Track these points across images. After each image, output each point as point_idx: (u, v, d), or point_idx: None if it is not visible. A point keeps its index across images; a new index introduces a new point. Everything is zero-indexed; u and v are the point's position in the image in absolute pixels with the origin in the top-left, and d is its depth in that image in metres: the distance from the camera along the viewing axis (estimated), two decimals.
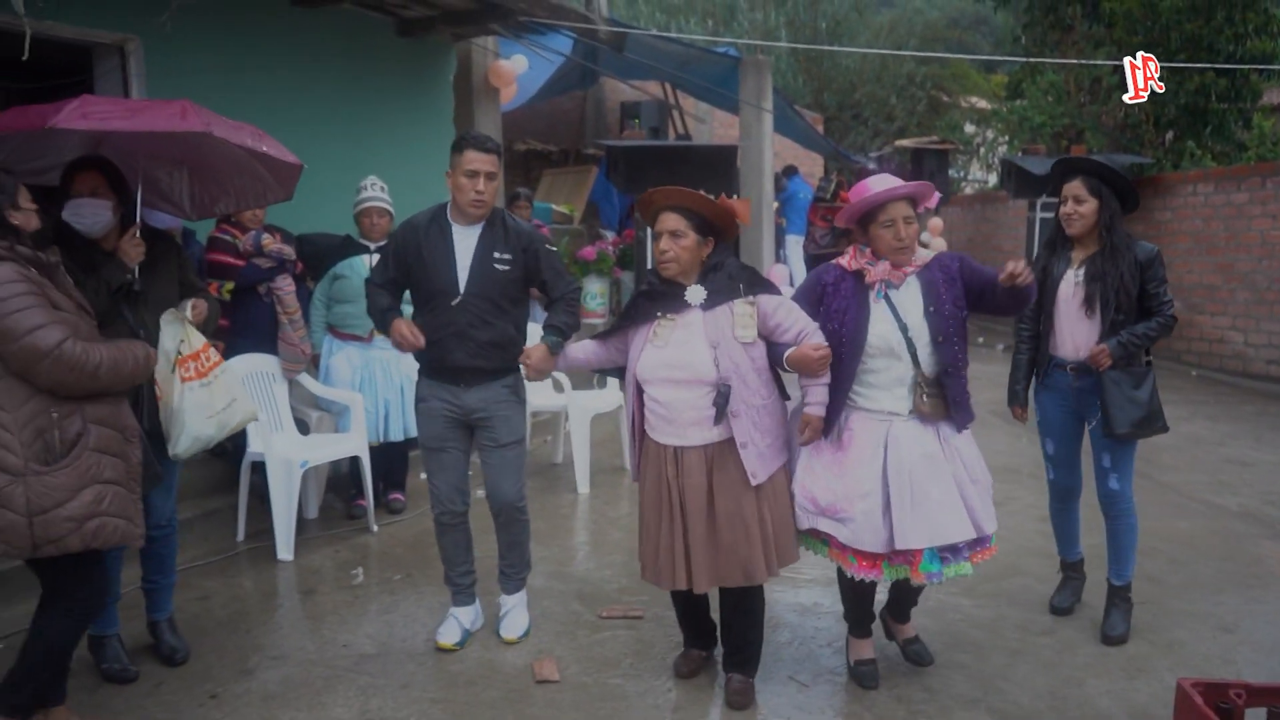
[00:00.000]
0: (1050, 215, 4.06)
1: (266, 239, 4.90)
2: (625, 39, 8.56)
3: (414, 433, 4.32)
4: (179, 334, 3.33)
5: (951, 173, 15.94)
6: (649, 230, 3.37)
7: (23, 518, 2.63)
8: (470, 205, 3.47)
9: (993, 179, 18.48)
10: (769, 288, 3.19)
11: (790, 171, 12.81)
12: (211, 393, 3.36)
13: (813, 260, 11.34)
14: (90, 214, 3.24)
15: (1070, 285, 3.67)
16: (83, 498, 2.71)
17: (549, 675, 3.46)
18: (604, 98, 12.72)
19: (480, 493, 3.94)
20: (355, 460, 5.14)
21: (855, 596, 3.40)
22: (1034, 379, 3.90)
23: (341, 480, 5.51)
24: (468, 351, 3.50)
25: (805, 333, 3.11)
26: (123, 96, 5.19)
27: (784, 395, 3.28)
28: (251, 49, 5.83)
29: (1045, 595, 4.06)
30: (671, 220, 3.12)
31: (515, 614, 3.82)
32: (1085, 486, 3.90)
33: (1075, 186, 3.64)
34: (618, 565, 4.54)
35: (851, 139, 19.25)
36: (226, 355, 4.62)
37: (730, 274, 3.15)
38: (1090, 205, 3.62)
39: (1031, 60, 12.17)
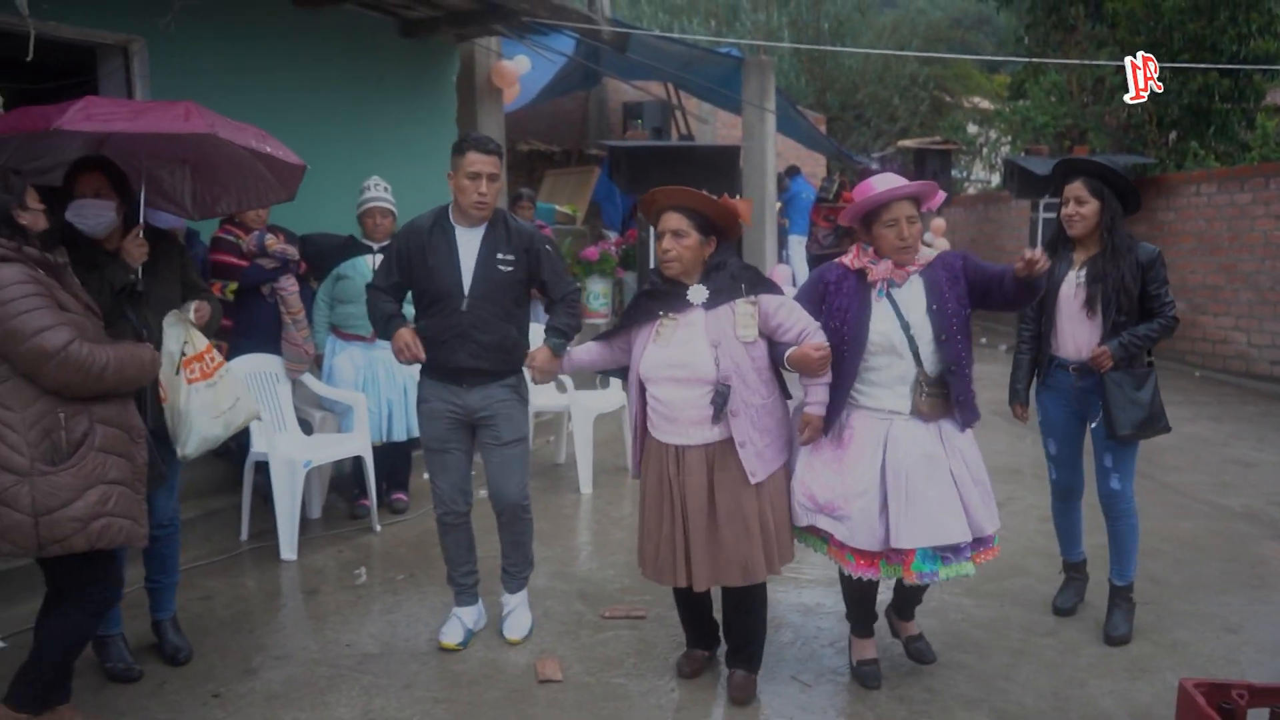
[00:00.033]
0: (1053, 216, 4.05)
1: (270, 239, 4.91)
2: (628, 39, 8.55)
3: (417, 433, 4.32)
4: (182, 335, 3.34)
5: (954, 173, 15.93)
6: (651, 230, 3.38)
7: (28, 518, 2.64)
8: (473, 207, 3.48)
9: (995, 179, 18.47)
10: (771, 287, 3.20)
11: (793, 172, 12.79)
12: (217, 393, 3.38)
13: (815, 260, 11.34)
14: (93, 215, 3.24)
15: (1072, 286, 3.67)
16: (88, 498, 2.71)
17: (552, 675, 3.46)
18: (606, 98, 12.71)
19: (483, 493, 3.95)
20: (358, 460, 5.16)
21: (857, 597, 3.40)
22: (1035, 379, 3.90)
23: (344, 480, 5.52)
24: (471, 353, 3.51)
25: (806, 332, 3.11)
26: (127, 97, 5.20)
27: (786, 395, 3.29)
28: (254, 50, 5.84)
29: (1048, 595, 4.06)
30: (674, 220, 3.13)
31: (518, 614, 3.83)
32: (1087, 486, 3.90)
33: (1076, 188, 3.64)
34: (620, 565, 4.55)
35: (854, 139, 19.23)
36: (230, 355, 4.65)
37: (732, 274, 3.16)
38: (1091, 206, 3.62)
39: (1034, 60, 12.15)
